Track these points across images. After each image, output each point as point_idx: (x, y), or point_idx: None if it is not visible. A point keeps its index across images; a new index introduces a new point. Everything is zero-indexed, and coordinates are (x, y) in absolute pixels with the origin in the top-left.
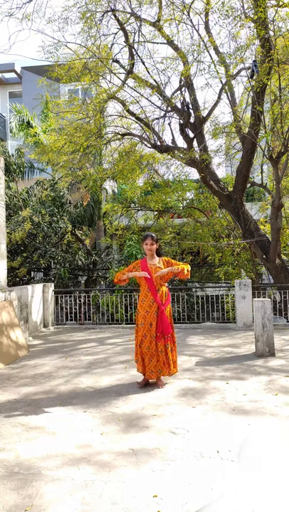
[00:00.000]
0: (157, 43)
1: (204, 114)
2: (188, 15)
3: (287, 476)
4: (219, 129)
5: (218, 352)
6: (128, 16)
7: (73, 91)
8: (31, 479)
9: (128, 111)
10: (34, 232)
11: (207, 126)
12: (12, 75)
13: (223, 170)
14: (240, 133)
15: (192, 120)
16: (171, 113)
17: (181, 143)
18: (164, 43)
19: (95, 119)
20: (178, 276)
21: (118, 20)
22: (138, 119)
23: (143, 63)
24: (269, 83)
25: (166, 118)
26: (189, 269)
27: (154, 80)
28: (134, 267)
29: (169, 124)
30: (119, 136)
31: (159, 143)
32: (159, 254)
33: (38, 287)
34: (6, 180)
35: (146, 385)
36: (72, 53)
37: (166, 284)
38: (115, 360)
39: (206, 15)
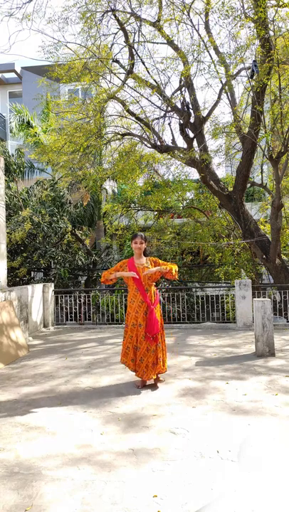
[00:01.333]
0: (157, 43)
1: (204, 114)
2: (188, 15)
3: (287, 476)
4: (219, 129)
5: (218, 352)
6: (128, 15)
7: (73, 91)
8: (31, 479)
9: (128, 111)
10: (34, 232)
11: (207, 126)
12: (12, 75)
13: (223, 170)
14: (240, 133)
15: (192, 120)
16: (171, 113)
17: (181, 143)
18: (164, 43)
19: (95, 119)
20: (166, 276)
21: (118, 20)
22: (138, 119)
23: (143, 63)
24: (269, 83)
25: (166, 118)
26: (177, 269)
27: (154, 80)
28: (120, 267)
29: (169, 124)
30: (119, 136)
31: (159, 143)
32: (145, 254)
33: (38, 287)
34: (6, 180)
35: (146, 385)
36: (72, 53)
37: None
38: (115, 360)
39: (206, 15)
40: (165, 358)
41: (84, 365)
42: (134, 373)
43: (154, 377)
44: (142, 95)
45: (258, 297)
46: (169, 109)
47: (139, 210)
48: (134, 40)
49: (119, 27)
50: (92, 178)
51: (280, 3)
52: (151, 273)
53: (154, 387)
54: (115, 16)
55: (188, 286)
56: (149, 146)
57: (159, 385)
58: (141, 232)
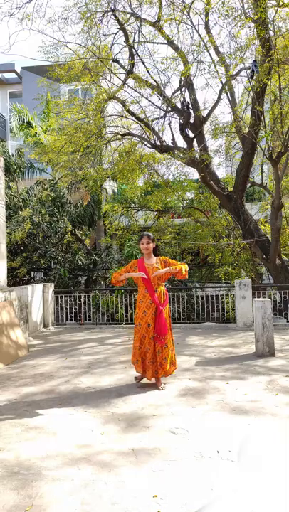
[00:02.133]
0: (157, 43)
1: (204, 114)
2: (189, 15)
3: (287, 476)
4: (219, 129)
5: (218, 352)
6: (128, 16)
7: (73, 91)
8: (31, 479)
9: (128, 111)
10: (34, 232)
11: (207, 126)
12: (12, 75)
13: (223, 170)
14: (240, 133)
15: (192, 120)
16: (171, 113)
17: (181, 143)
18: (164, 43)
19: (94, 119)
20: (176, 276)
21: (118, 20)
22: (138, 119)
23: (143, 63)
24: (269, 83)
25: (166, 118)
26: (187, 268)
27: (154, 80)
28: (131, 267)
29: (169, 124)
30: (119, 136)
31: (159, 143)
32: (156, 254)
33: (38, 287)
34: (6, 180)
35: (146, 386)
36: (72, 53)
37: (164, 283)
38: (115, 360)
39: (206, 15)
40: (174, 358)
41: (84, 365)
42: (143, 376)
43: (158, 378)
44: (142, 95)
45: (258, 297)
46: (169, 109)
47: (139, 210)
48: (134, 40)
49: (119, 27)
50: (92, 178)
51: (280, 3)
52: (161, 274)
53: (154, 387)
54: (115, 16)
55: (188, 286)
56: (149, 146)
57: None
58: (144, 231)
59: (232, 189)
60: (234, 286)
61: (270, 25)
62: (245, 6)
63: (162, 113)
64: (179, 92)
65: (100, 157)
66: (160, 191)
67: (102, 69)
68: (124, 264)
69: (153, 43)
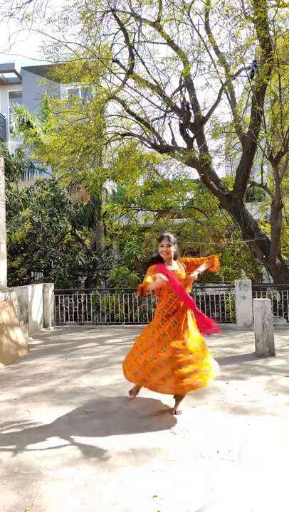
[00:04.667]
0: (157, 43)
1: (204, 114)
2: (189, 15)
3: (287, 476)
4: (219, 129)
5: (218, 352)
6: (128, 16)
7: (73, 91)
8: (31, 479)
9: (128, 111)
10: (34, 232)
11: (207, 126)
12: (12, 75)
13: (223, 170)
14: (240, 133)
15: (192, 120)
16: (171, 113)
17: (181, 143)
18: (164, 43)
19: (94, 119)
20: (210, 269)
21: (118, 20)
22: (138, 119)
23: (143, 63)
24: (269, 83)
25: (166, 118)
26: (217, 260)
27: (154, 80)
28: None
29: (169, 124)
30: (119, 136)
31: (159, 143)
32: (175, 257)
33: (38, 287)
34: (6, 180)
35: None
36: (72, 53)
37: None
38: (115, 360)
39: (206, 15)
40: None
41: (84, 365)
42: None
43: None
44: (142, 95)
45: (258, 297)
46: (169, 109)
47: (139, 210)
48: (134, 40)
49: (119, 27)
50: (92, 178)
51: (280, 3)
52: (200, 272)
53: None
54: (115, 16)
55: None
56: (149, 146)
57: None
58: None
59: (232, 189)
60: (234, 286)
61: (270, 25)
62: (245, 6)
63: (162, 113)
64: (179, 92)
65: (100, 157)
66: (160, 191)
67: (102, 69)
68: (124, 264)
69: (153, 43)
